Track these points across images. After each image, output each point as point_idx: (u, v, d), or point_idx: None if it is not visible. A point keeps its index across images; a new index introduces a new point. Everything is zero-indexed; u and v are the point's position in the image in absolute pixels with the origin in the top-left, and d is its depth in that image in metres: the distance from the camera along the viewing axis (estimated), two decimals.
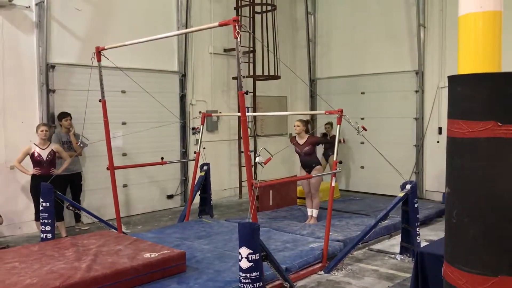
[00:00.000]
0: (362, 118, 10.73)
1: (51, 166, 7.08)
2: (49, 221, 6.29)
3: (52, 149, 7.10)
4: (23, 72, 7.69)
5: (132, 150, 9.05)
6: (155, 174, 9.39)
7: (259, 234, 4.33)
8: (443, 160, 2.92)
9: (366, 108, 11.10)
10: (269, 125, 11.82)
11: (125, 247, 5.48)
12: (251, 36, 10.31)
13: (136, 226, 8.31)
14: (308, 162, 7.67)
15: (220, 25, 4.92)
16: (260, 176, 6.71)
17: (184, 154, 9.96)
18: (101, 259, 5.06)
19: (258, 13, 10.73)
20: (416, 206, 6.09)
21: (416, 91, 10.36)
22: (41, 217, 6.33)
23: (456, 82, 2.57)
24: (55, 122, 7.94)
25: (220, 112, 10.39)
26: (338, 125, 6.11)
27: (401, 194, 6.05)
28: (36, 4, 7.74)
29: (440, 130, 9.98)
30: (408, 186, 6.05)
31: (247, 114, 5.66)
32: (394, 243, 6.84)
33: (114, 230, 6.88)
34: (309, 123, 8.06)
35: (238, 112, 9.51)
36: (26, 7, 7.67)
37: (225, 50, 10.70)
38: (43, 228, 6.29)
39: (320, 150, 11.26)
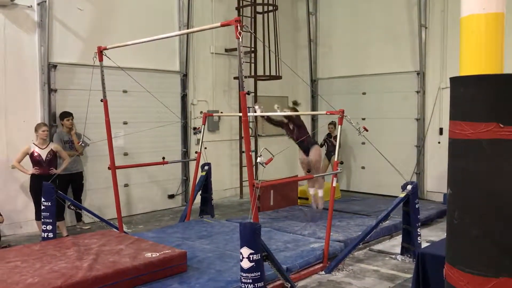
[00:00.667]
0: (363, 119, 10.72)
1: (51, 165, 7.08)
2: (51, 220, 6.29)
3: (51, 149, 7.10)
4: (25, 71, 7.70)
5: (134, 149, 9.06)
6: (156, 174, 9.40)
7: (260, 234, 4.34)
8: (444, 161, 2.93)
9: (367, 108, 11.10)
10: (270, 125, 11.80)
11: (127, 246, 5.49)
12: (253, 36, 10.31)
13: (137, 225, 8.32)
14: (304, 146, 7.80)
15: (222, 25, 4.92)
16: (261, 176, 6.73)
17: (185, 154, 9.97)
18: (103, 258, 5.07)
19: (259, 13, 10.73)
20: (417, 207, 6.09)
21: (417, 92, 10.36)
22: (42, 217, 6.33)
23: (459, 84, 2.58)
24: (57, 121, 7.94)
25: (221, 112, 10.40)
26: (340, 126, 6.11)
27: (402, 195, 6.05)
28: (38, 4, 7.75)
29: (441, 131, 9.98)
30: (409, 187, 6.06)
31: (248, 114, 5.67)
32: (395, 243, 6.84)
33: (116, 230, 6.89)
34: (296, 109, 8.13)
35: (239, 112, 9.52)
36: (28, 7, 7.68)
37: (226, 50, 10.70)
38: (44, 227, 6.29)
39: (323, 149, 11.27)
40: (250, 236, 4.25)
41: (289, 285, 5.03)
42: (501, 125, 2.37)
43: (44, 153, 7.00)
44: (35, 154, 6.95)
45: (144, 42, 6.27)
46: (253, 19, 10.64)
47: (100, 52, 6.33)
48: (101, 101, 6.53)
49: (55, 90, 7.96)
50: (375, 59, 10.99)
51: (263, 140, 11.13)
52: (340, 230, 7.14)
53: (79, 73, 8.11)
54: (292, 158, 12.42)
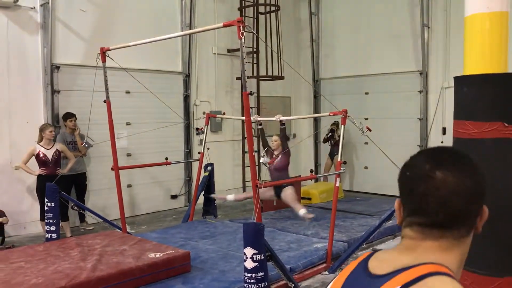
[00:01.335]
0: (366, 119, 10.71)
1: (57, 166, 7.11)
2: (54, 221, 6.32)
3: (57, 149, 7.13)
4: (28, 72, 7.72)
5: (137, 150, 9.07)
6: (159, 175, 9.41)
7: (263, 235, 4.34)
8: None
9: (370, 108, 11.09)
10: (274, 126, 11.79)
11: (130, 247, 5.50)
12: (255, 36, 10.31)
13: (141, 226, 8.33)
14: (278, 178, 7.12)
15: (225, 26, 4.93)
16: (263, 177, 6.74)
17: (188, 154, 9.98)
18: (106, 259, 5.08)
19: (261, 13, 10.73)
20: None
21: (420, 92, 10.35)
22: (46, 217, 6.35)
23: (462, 83, 2.58)
24: (60, 122, 7.96)
25: (224, 113, 10.38)
26: (343, 126, 6.11)
27: None
28: (41, 5, 7.77)
29: (444, 131, 9.96)
30: None
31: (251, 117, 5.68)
32: (398, 243, 6.81)
33: (119, 230, 6.90)
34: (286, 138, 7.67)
35: (242, 113, 9.53)
36: (31, 8, 7.70)
37: (228, 51, 10.71)
38: (48, 228, 6.31)
39: (326, 149, 11.28)
40: (254, 236, 4.25)
41: (293, 285, 5.03)
42: (506, 124, 2.37)
43: (50, 154, 7.02)
44: (41, 154, 6.97)
45: (147, 43, 6.28)
46: (255, 20, 10.65)
47: (103, 53, 6.34)
48: (104, 102, 6.54)
49: (58, 91, 7.98)
50: (378, 59, 10.97)
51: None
52: (344, 230, 7.14)
53: (82, 74, 8.13)
54: (295, 158, 12.41)
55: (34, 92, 7.78)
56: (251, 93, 4.95)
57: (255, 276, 4.25)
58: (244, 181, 10.81)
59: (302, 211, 6.98)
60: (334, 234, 6.16)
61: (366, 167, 11.31)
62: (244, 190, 10.80)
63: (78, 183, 7.98)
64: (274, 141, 7.46)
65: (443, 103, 9.93)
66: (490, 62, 2.66)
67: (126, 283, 4.77)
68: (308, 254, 5.89)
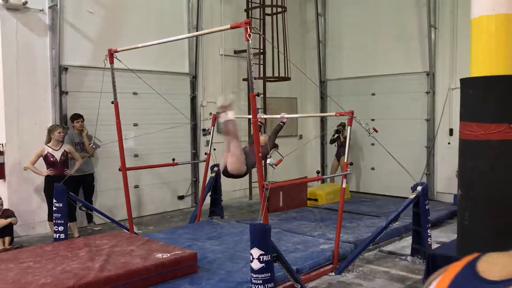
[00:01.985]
0: (373, 119, 10.70)
1: (65, 166, 7.16)
2: (62, 221, 6.36)
3: (65, 150, 7.18)
4: (37, 74, 7.79)
5: (144, 151, 9.12)
6: (166, 175, 9.45)
7: (270, 235, 4.35)
8: (454, 162, 2.93)
9: (376, 109, 11.07)
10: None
11: (137, 247, 5.53)
12: (262, 38, 10.33)
13: (148, 226, 8.37)
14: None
15: (232, 27, 4.96)
16: (270, 178, 6.76)
17: (195, 155, 10.01)
18: (114, 259, 5.12)
19: (268, 14, 10.76)
20: (427, 208, 6.07)
21: (427, 93, 10.32)
22: (54, 218, 6.40)
23: (469, 85, 2.58)
24: (68, 123, 8.02)
25: None
26: (349, 127, 6.11)
27: (412, 196, 6.04)
28: (50, 7, 7.84)
29: (451, 132, 9.93)
30: (419, 188, 6.04)
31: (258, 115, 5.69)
32: (405, 244, 6.82)
33: (126, 231, 6.94)
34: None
35: (249, 113, 9.54)
36: (40, 10, 7.77)
37: (235, 52, 10.73)
38: (56, 228, 6.36)
39: (333, 150, 11.27)
40: (260, 237, 4.27)
41: (299, 286, 5.03)
42: None
43: (58, 154, 7.08)
44: (49, 155, 7.03)
45: (154, 44, 6.31)
46: (262, 21, 10.66)
47: (111, 54, 6.39)
48: (112, 103, 6.59)
49: (66, 93, 8.04)
50: (384, 59, 10.96)
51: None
52: (350, 231, 7.14)
53: (90, 76, 8.19)
54: (301, 160, 12.43)
55: (42, 93, 7.85)
56: (258, 94, 4.96)
57: (261, 277, 4.26)
58: (250, 182, 10.82)
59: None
60: (341, 235, 6.16)
61: (372, 168, 11.29)
62: (250, 192, 10.83)
63: (85, 183, 8.03)
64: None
65: (450, 104, 9.90)
66: (496, 64, 2.66)
67: (134, 283, 4.81)
68: (314, 255, 5.89)
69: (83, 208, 7.21)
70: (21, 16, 7.56)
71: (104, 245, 5.67)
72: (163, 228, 8.10)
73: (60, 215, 6.34)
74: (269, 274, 4.29)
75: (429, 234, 6.07)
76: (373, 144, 9.99)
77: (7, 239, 6.87)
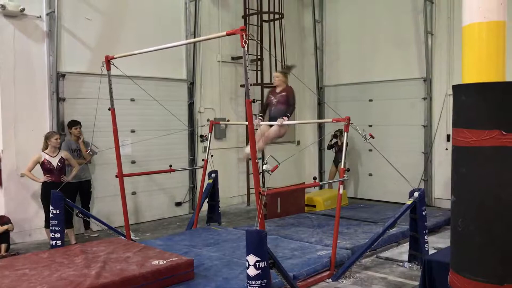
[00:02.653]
0: (370, 125, 10.73)
1: (62, 173, 7.16)
2: (59, 228, 6.34)
3: (62, 156, 7.18)
4: (34, 80, 7.80)
5: (141, 157, 9.11)
6: (164, 182, 9.45)
7: (266, 242, 4.35)
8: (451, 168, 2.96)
9: (374, 115, 11.10)
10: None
11: (134, 254, 5.52)
12: (259, 44, 10.36)
13: (145, 233, 8.35)
14: (277, 113, 6.95)
15: (228, 34, 4.97)
16: (267, 184, 6.77)
17: (192, 161, 10.01)
18: (110, 266, 5.10)
19: (265, 21, 10.80)
20: (424, 214, 6.07)
21: (424, 98, 10.35)
22: (50, 224, 6.39)
23: (461, 92, 2.60)
24: (65, 130, 8.02)
25: (228, 120, 10.44)
26: (346, 133, 6.12)
27: (409, 202, 6.04)
28: (47, 14, 7.86)
29: (448, 138, 9.95)
30: (416, 194, 6.04)
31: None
32: (402, 251, 6.81)
33: (123, 237, 6.93)
34: (287, 75, 7.32)
35: (246, 119, 9.55)
36: (37, 17, 7.79)
37: (233, 58, 10.76)
38: (52, 235, 6.34)
39: (331, 156, 11.28)
40: (257, 243, 4.26)
41: None
42: (504, 132, 2.39)
43: (55, 161, 7.08)
44: (46, 162, 7.03)
45: (151, 51, 6.32)
46: (259, 27, 10.71)
47: (108, 61, 6.40)
48: (109, 109, 6.59)
49: (64, 99, 8.05)
50: (382, 66, 11.00)
51: (269, 148, 11.13)
52: (347, 237, 7.13)
53: (87, 82, 8.20)
54: (299, 166, 12.43)
55: (39, 100, 7.85)
56: (254, 101, 4.97)
57: (257, 284, 4.24)
58: (248, 188, 10.83)
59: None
60: (338, 241, 6.15)
61: (370, 174, 11.30)
62: (248, 198, 10.83)
63: (82, 190, 8.03)
64: (275, 77, 7.18)
65: (447, 110, 9.92)
66: (488, 71, 2.68)
67: None
68: (311, 262, 5.88)
69: (80, 215, 7.20)
70: (18, 22, 7.59)
71: (100, 252, 5.65)
72: (160, 234, 8.09)
73: (56, 221, 6.33)
74: (265, 280, 4.28)
75: (426, 240, 6.07)
76: (370, 150, 10.01)
77: (3, 246, 6.86)
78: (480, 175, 2.50)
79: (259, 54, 10.65)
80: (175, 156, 9.58)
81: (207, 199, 8.21)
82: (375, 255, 6.70)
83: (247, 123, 6.22)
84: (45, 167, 7.04)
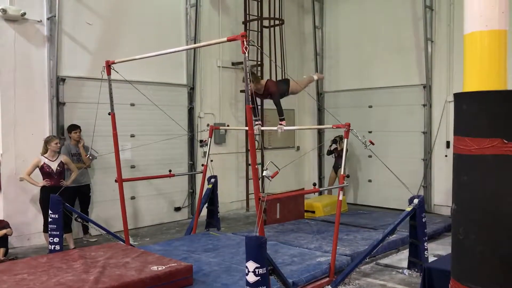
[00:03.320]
0: (370, 132, 10.74)
1: (61, 177, 7.14)
2: (58, 232, 6.32)
3: (61, 161, 7.17)
4: (34, 84, 7.80)
5: (141, 162, 9.10)
6: (163, 187, 9.43)
7: (266, 248, 4.33)
8: (451, 174, 2.94)
9: (373, 121, 11.11)
10: (277, 138, 11.85)
11: (133, 259, 5.50)
12: (259, 50, 10.38)
13: (144, 238, 8.33)
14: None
15: (229, 40, 4.98)
16: (267, 189, 6.76)
17: (192, 166, 10.00)
18: (109, 271, 5.08)
19: (266, 27, 10.82)
20: (424, 221, 6.06)
21: (424, 105, 10.36)
22: (49, 229, 6.36)
23: (462, 100, 2.60)
24: (65, 134, 8.01)
25: (228, 125, 10.44)
26: (346, 139, 6.12)
27: (408, 209, 6.03)
28: (48, 19, 7.87)
29: (448, 144, 9.95)
30: (415, 201, 6.03)
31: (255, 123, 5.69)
32: (402, 257, 6.79)
33: (122, 242, 6.91)
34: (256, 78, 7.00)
35: (246, 125, 9.55)
36: (38, 21, 7.80)
37: (233, 64, 10.78)
38: (51, 239, 6.32)
39: (330, 162, 11.28)
40: (256, 250, 4.24)
41: None
42: (505, 141, 2.39)
43: (54, 165, 7.06)
44: (45, 166, 7.01)
45: (152, 56, 6.33)
46: (259, 33, 10.73)
47: (108, 66, 6.40)
48: (109, 114, 6.58)
49: (64, 103, 8.04)
50: (382, 72, 11.01)
51: (269, 153, 11.15)
52: (347, 243, 7.11)
53: (87, 87, 8.20)
54: (299, 171, 12.42)
55: (39, 104, 7.85)
56: (254, 107, 4.97)
57: None
58: (247, 194, 10.82)
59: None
60: (338, 247, 6.13)
61: (370, 180, 11.29)
62: (247, 203, 10.81)
63: (82, 194, 8.01)
64: (254, 89, 6.66)
65: (447, 116, 9.93)
66: (489, 79, 2.68)
67: None
68: (311, 268, 5.87)
69: (79, 219, 7.17)
70: (19, 27, 7.59)
71: (99, 257, 5.63)
72: (159, 239, 8.07)
73: (55, 226, 6.30)
74: (265, 287, 4.26)
75: (426, 247, 6.06)
76: (370, 156, 10.01)
77: (1, 250, 6.82)
78: (481, 183, 2.49)
79: (259, 59, 10.66)
80: (175, 161, 9.56)
81: (206, 204, 8.20)
82: (374, 262, 6.68)
83: (247, 128, 6.24)
84: (44, 171, 7.03)
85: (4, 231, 6.88)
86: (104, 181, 8.43)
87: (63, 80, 8.02)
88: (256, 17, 10.75)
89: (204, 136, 9.18)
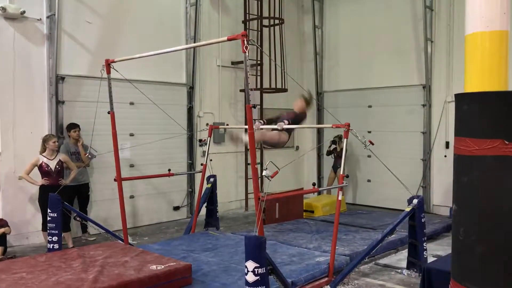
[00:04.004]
0: (369, 132, 10.74)
1: (60, 176, 7.13)
2: (56, 231, 6.30)
3: (60, 159, 7.16)
4: (33, 83, 7.78)
5: (140, 161, 9.10)
6: (162, 186, 9.42)
7: (265, 248, 4.33)
8: (450, 175, 2.94)
9: (373, 121, 11.11)
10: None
11: (132, 258, 5.49)
12: (259, 49, 10.37)
13: (143, 237, 8.32)
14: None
15: (229, 39, 4.96)
16: (266, 189, 6.75)
17: (191, 165, 9.99)
18: (108, 270, 5.07)
19: (266, 26, 10.81)
20: (423, 221, 6.06)
21: (423, 105, 10.36)
22: (48, 228, 6.35)
23: (463, 100, 2.59)
24: (64, 133, 8.00)
25: (227, 124, 10.43)
26: (345, 139, 6.11)
27: (408, 209, 6.03)
28: (47, 17, 7.86)
29: (447, 145, 9.96)
30: (415, 201, 6.03)
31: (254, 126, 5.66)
32: (401, 257, 6.80)
33: (121, 241, 6.90)
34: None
35: (245, 124, 9.54)
36: (38, 20, 7.78)
37: (232, 63, 10.77)
38: (50, 238, 6.30)
39: (330, 162, 11.28)
40: (255, 249, 4.24)
41: None
42: (506, 142, 2.38)
43: (53, 164, 7.05)
44: (44, 165, 7.00)
45: (152, 55, 6.32)
46: (259, 33, 10.72)
47: (108, 65, 6.39)
48: (108, 113, 6.57)
49: (63, 102, 8.03)
50: (381, 72, 11.02)
51: (268, 153, 11.14)
52: (346, 243, 7.11)
53: (86, 85, 8.19)
54: (298, 171, 12.42)
55: (38, 102, 7.84)
56: (254, 106, 4.96)
57: None
58: (246, 193, 10.81)
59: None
60: (337, 247, 6.13)
61: (369, 180, 11.29)
62: (246, 203, 10.81)
63: (81, 193, 8.00)
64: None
65: (446, 117, 9.94)
66: (490, 80, 2.68)
67: None
68: (310, 268, 5.86)
69: (78, 218, 7.15)
70: (18, 25, 7.58)
71: (98, 256, 5.62)
72: (158, 239, 8.06)
73: (54, 225, 6.29)
74: (264, 287, 4.26)
75: (425, 247, 6.06)
76: (369, 156, 10.02)
77: (0, 249, 6.81)
78: (482, 184, 2.49)
79: (259, 59, 10.65)
80: (174, 160, 9.55)
81: (205, 204, 8.19)
82: (373, 262, 6.68)
83: (246, 127, 6.22)
84: (43, 170, 7.02)
85: (2, 230, 6.87)
86: (103, 180, 8.42)
87: (63, 78, 8.01)
88: (256, 17, 10.74)
89: (204, 136, 9.17)
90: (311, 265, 5.96)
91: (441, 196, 10.07)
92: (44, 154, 7.08)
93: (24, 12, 7.48)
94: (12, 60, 7.53)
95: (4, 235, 6.92)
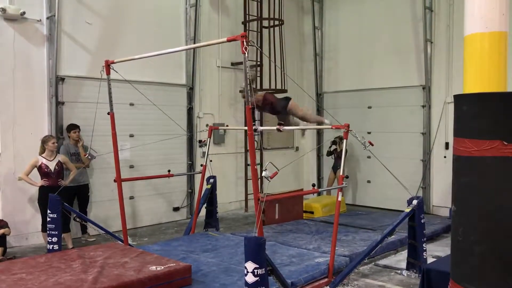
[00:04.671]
0: (369, 132, 10.74)
1: (59, 177, 7.13)
2: (56, 232, 6.30)
3: (59, 160, 7.16)
4: (33, 84, 7.79)
5: (139, 162, 9.10)
6: (162, 187, 9.42)
7: (265, 249, 4.33)
8: (450, 175, 2.94)
9: (372, 122, 11.11)
10: (276, 138, 11.86)
11: (131, 259, 5.50)
12: (259, 50, 10.38)
13: (142, 238, 8.32)
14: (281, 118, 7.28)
15: (228, 40, 4.97)
16: (266, 190, 6.76)
17: (191, 166, 9.99)
18: (107, 271, 5.08)
19: (265, 27, 10.82)
20: (422, 222, 6.06)
21: (423, 106, 10.36)
22: (48, 228, 6.35)
23: (462, 101, 2.60)
24: (64, 134, 8.00)
25: (227, 125, 10.43)
26: (345, 140, 6.12)
27: (407, 210, 6.03)
28: (47, 18, 7.87)
29: (447, 145, 9.96)
30: (414, 202, 6.03)
31: (254, 126, 5.68)
32: (400, 258, 6.79)
33: (120, 242, 6.90)
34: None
35: (245, 125, 9.55)
36: (38, 21, 7.79)
37: (232, 64, 10.78)
38: (50, 239, 6.31)
39: (329, 162, 11.28)
40: (255, 250, 4.24)
41: None
42: (505, 143, 2.39)
43: (52, 165, 7.05)
44: (43, 166, 7.00)
45: (152, 56, 6.32)
46: (259, 33, 10.72)
47: (108, 65, 6.39)
48: (108, 114, 6.58)
49: (63, 103, 8.04)
50: (381, 73, 11.02)
51: (268, 154, 11.15)
52: (346, 244, 7.12)
53: (86, 86, 8.20)
54: (298, 172, 12.42)
55: (38, 103, 7.84)
56: (254, 108, 4.97)
57: None
58: (246, 194, 10.81)
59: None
60: (336, 248, 6.13)
61: (368, 181, 11.29)
62: (246, 204, 10.81)
63: (80, 194, 8.00)
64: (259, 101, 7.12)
65: (446, 117, 9.94)
66: (489, 80, 2.68)
67: None
68: (309, 269, 5.86)
69: (78, 219, 7.15)
70: (18, 26, 7.58)
71: (97, 256, 5.63)
72: (158, 239, 8.06)
73: (54, 226, 6.29)
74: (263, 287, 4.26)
75: (424, 248, 6.06)
76: (369, 157, 10.01)
77: (0, 249, 6.82)
78: (481, 185, 2.49)
79: (258, 60, 10.65)
80: (174, 161, 9.56)
81: (205, 205, 8.19)
82: (373, 263, 6.68)
83: (246, 128, 6.24)
84: (43, 171, 7.02)
85: (2, 231, 6.87)
86: (103, 181, 8.42)
87: (62, 79, 8.01)
88: (255, 18, 10.75)
89: (203, 136, 9.18)
90: (311, 266, 5.96)
91: (441, 197, 10.08)
92: (43, 155, 7.09)
93: (24, 13, 7.48)
94: (12, 61, 7.53)
95: (4, 236, 6.93)
